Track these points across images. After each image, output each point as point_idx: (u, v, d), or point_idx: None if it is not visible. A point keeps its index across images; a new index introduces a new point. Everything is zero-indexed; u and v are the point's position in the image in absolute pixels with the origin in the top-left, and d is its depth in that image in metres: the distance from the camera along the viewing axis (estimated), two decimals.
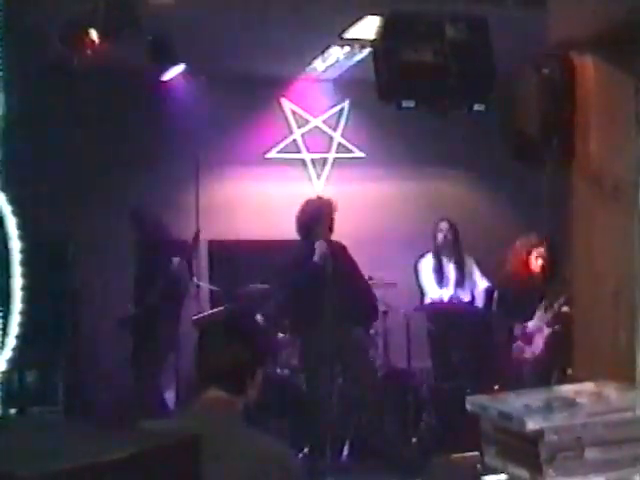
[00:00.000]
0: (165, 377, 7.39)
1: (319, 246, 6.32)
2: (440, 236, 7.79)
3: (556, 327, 6.80)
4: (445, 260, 7.86)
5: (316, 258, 6.33)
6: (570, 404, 2.26)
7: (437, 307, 7.80)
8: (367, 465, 6.62)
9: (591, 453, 2.18)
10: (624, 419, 2.22)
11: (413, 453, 6.56)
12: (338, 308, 6.24)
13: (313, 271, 6.32)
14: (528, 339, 7.01)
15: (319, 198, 6.82)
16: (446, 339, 7.69)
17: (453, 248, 7.83)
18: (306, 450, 6.50)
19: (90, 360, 7.46)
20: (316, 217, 6.46)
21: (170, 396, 7.51)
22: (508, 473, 2.29)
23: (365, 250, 7.44)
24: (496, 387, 6.44)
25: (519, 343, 7.02)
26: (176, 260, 7.22)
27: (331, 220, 6.51)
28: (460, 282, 7.82)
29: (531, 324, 6.97)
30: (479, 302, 7.84)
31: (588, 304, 3.75)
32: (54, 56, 7.10)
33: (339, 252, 6.55)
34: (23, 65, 5.90)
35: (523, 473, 2.21)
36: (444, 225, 7.82)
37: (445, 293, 7.86)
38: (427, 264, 7.92)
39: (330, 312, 6.23)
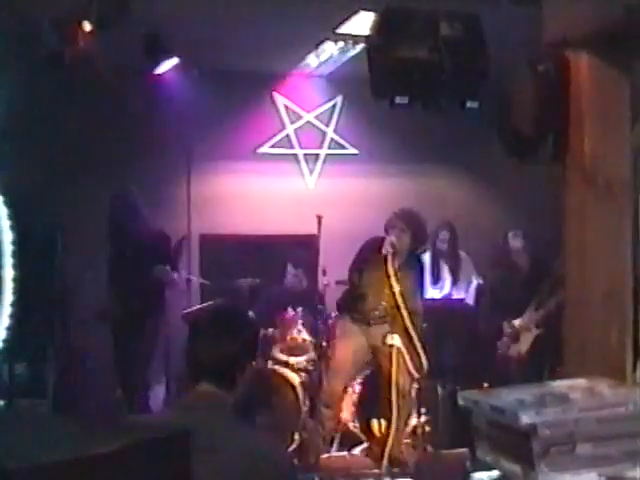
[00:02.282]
0: (154, 372, 7.37)
1: (387, 243, 6.27)
2: (440, 245, 7.81)
3: (545, 326, 6.83)
4: (442, 262, 7.88)
5: (383, 251, 6.29)
6: (563, 399, 2.26)
7: (430, 304, 7.80)
8: (356, 459, 6.64)
9: (583, 448, 2.19)
10: (617, 415, 2.23)
11: (401, 449, 6.56)
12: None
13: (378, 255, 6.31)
14: (515, 337, 7.03)
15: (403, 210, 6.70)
16: (439, 337, 7.70)
17: (451, 253, 7.86)
18: (295, 445, 6.52)
19: (80, 353, 7.44)
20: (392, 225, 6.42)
21: (160, 391, 7.50)
22: (500, 468, 2.29)
23: (356, 246, 7.43)
24: (485, 385, 6.46)
25: (506, 341, 7.04)
26: (158, 268, 7.14)
27: (411, 233, 6.42)
28: (455, 281, 7.85)
29: (519, 322, 6.99)
30: (472, 300, 7.87)
31: (580, 302, 3.75)
32: (47, 48, 7.07)
33: (416, 263, 6.56)
34: (16, 57, 5.88)
35: (516, 468, 2.22)
36: (445, 235, 7.81)
37: (438, 292, 7.89)
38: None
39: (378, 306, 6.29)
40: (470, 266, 7.95)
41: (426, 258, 7.94)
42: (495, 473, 2.44)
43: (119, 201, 7.07)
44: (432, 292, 7.92)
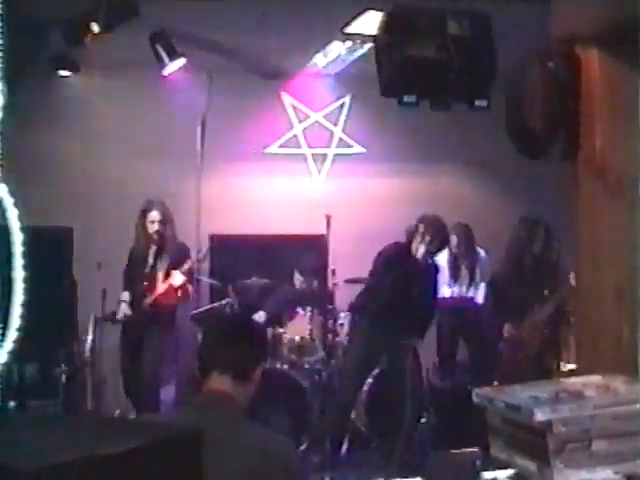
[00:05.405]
0: (165, 372, 7.38)
1: (422, 250, 6.40)
2: (455, 249, 7.78)
3: (553, 323, 6.81)
4: (460, 262, 7.87)
5: (418, 255, 6.41)
6: (578, 396, 2.25)
7: (444, 303, 7.79)
8: (366, 460, 6.63)
9: (599, 445, 2.18)
10: (632, 411, 2.22)
11: (413, 449, 6.55)
12: (404, 313, 6.33)
13: (411, 265, 6.39)
14: (517, 340, 6.99)
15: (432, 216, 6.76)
16: (453, 335, 7.71)
17: (466, 252, 7.83)
18: (305, 445, 6.51)
19: (91, 354, 7.44)
20: (422, 232, 6.50)
21: (171, 391, 7.51)
22: (515, 465, 2.28)
23: (365, 245, 7.43)
24: (495, 383, 6.44)
25: (515, 339, 7.00)
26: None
27: (439, 240, 6.52)
28: (472, 280, 7.83)
29: (527, 320, 6.96)
30: (480, 297, 7.84)
31: (591, 298, 3.75)
32: (55, 49, 7.09)
33: (433, 268, 6.63)
34: (24, 57, 5.89)
35: (531, 465, 2.21)
36: (453, 240, 7.77)
37: (457, 289, 7.87)
38: (441, 259, 7.93)
39: (397, 311, 6.32)
40: (485, 262, 7.92)
41: (444, 255, 7.93)
42: (506, 472, 2.43)
43: (143, 213, 7.18)
44: (448, 290, 7.90)
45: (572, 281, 6.27)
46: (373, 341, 6.50)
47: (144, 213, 7.17)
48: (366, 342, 6.52)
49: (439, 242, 6.50)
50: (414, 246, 6.48)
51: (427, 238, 6.42)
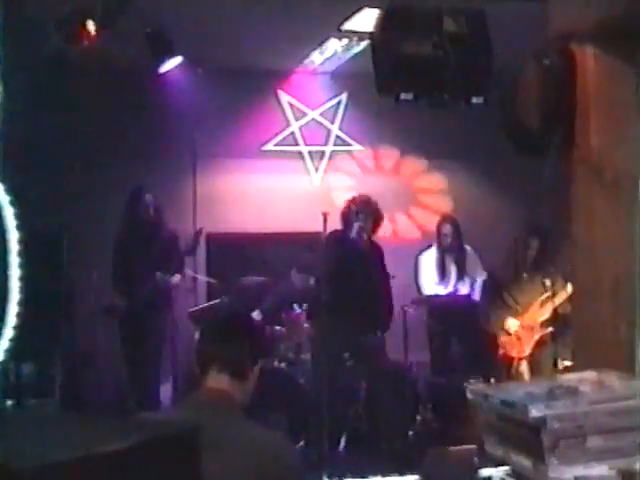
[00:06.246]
0: (162, 370, 7.38)
1: (356, 227, 6.40)
2: (444, 240, 7.82)
3: (551, 323, 6.80)
4: (448, 256, 7.88)
5: (353, 234, 6.40)
6: (573, 392, 2.26)
7: (435, 300, 7.80)
8: (364, 458, 6.63)
9: (593, 441, 2.18)
10: (627, 407, 2.22)
11: (410, 446, 6.56)
12: (358, 300, 6.30)
13: (348, 246, 6.38)
14: (518, 335, 6.99)
15: (362, 195, 6.78)
16: (445, 333, 7.71)
17: (456, 246, 7.86)
18: (302, 443, 6.51)
19: (87, 352, 7.45)
20: (355, 211, 6.51)
21: (168, 389, 7.50)
22: (510, 462, 2.28)
23: None
24: (492, 380, 6.46)
25: (508, 339, 7.00)
26: (159, 275, 7.13)
27: (373, 218, 6.54)
28: (461, 276, 7.85)
29: (521, 320, 6.96)
30: (477, 295, 7.85)
31: (588, 295, 3.75)
32: (52, 47, 7.08)
33: (375, 248, 6.61)
34: (21, 56, 5.88)
35: (526, 461, 2.21)
36: (448, 229, 7.81)
37: (445, 288, 7.88)
38: (429, 258, 7.95)
39: (351, 299, 6.30)
40: (476, 261, 7.95)
41: (431, 254, 7.96)
42: (504, 469, 2.44)
43: (135, 197, 7.12)
44: (438, 288, 7.92)
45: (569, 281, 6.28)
46: (332, 341, 6.41)
47: (136, 197, 7.10)
48: (326, 342, 6.44)
49: (373, 220, 6.51)
50: (349, 227, 6.50)
51: (360, 216, 6.45)
